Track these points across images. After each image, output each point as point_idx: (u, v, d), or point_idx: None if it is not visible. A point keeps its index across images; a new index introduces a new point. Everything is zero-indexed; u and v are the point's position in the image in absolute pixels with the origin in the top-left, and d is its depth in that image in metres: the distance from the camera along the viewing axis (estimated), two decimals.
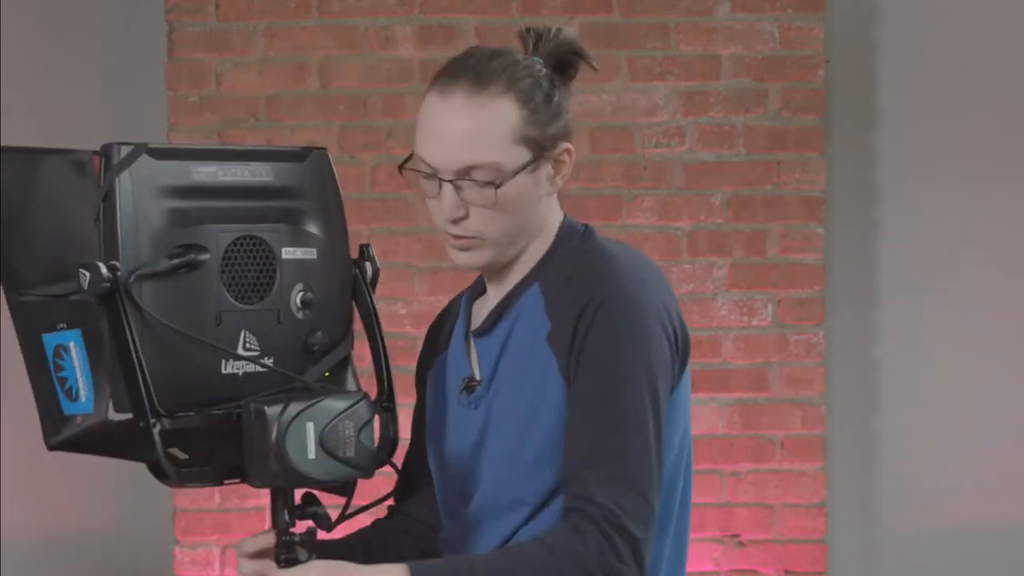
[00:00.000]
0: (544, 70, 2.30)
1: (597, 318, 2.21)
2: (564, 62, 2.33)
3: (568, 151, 2.30)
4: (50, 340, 2.23)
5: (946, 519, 5.10)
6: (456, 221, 2.29)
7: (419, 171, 2.29)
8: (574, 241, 2.33)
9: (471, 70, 2.26)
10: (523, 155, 2.26)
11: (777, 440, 4.95)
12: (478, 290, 2.43)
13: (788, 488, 4.94)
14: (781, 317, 4.95)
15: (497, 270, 2.36)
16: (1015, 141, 5.09)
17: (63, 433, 2.24)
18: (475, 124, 2.25)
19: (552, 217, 2.36)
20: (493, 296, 2.38)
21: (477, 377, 2.35)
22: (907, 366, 5.10)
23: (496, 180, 2.25)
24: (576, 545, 2.14)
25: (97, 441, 2.25)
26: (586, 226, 2.37)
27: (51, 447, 2.28)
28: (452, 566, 2.18)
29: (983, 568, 5.09)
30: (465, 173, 2.25)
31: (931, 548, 5.09)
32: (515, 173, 2.25)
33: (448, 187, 2.26)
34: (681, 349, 2.28)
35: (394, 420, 2.34)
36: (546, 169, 2.29)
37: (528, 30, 2.35)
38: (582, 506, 2.16)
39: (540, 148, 2.27)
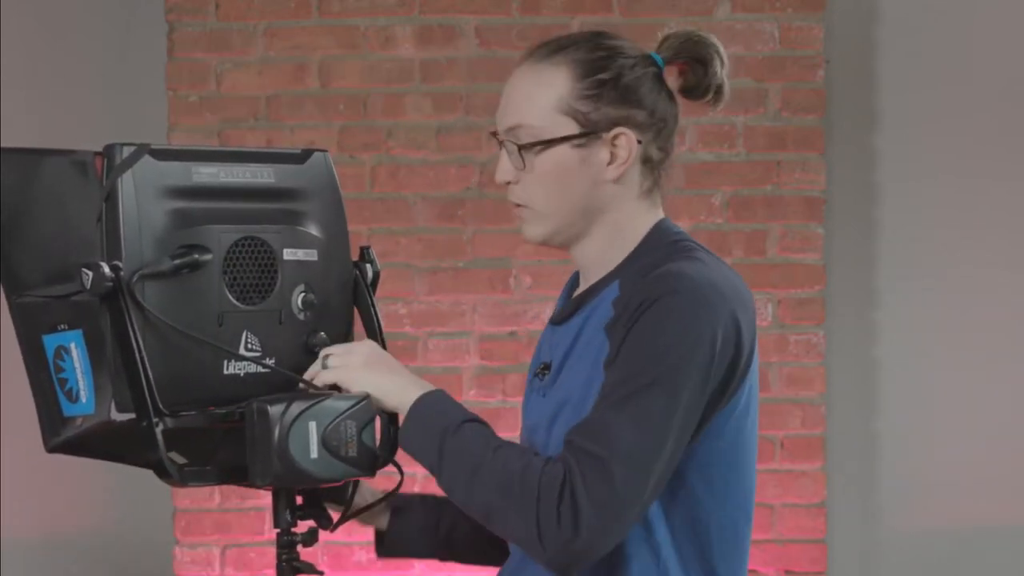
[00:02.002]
0: (640, 56, 2.28)
1: (643, 316, 2.16)
2: (690, 61, 2.31)
3: (624, 136, 2.25)
4: (51, 341, 2.23)
5: (946, 519, 5.10)
6: (508, 185, 2.29)
7: (496, 137, 2.31)
8: (662, 246, 2.29)
9: (555, 41, 2.28)
10: (568, 126, 2.24)
11: (777, 440, 4.95)
12: (577, 281, 2.40)
13: (788, 488, 4.94)
14: (781, 317, 4.95)
15: (584, 264, 2.33)
16: (1015, 141, 5.09)
17: (63, 435, 2.25)
18: (527, 87, 2.26)
19: (640, 220, 2.31)
20: (583, 286, 2.36)
21: (551, 365, 2.33)
22: (907, 366, 5.11)
23: (532, 143, 2.24)
24: (537, 469, 2.12)
25: (97, 442, 2.25)
26: (683, 235, 2.33)
27: (50, 449, 2.28)
28: (448, 416, 2.20)
29: (983, 568, 5.09)
30: (511, 134, 2.26)
31: (931, 548, 5.09)
32: (553, 142, 2.24)
33: (503, 149, 2.28)
34: (729, 367, 2.20)
35: (395, 420, 2.35)
36: (600, 152, 2.25)
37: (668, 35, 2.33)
38: (564, 450, 2.14)
39: (591, 125, 2.24)
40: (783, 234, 4.95)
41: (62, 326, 2.22)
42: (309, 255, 2.32)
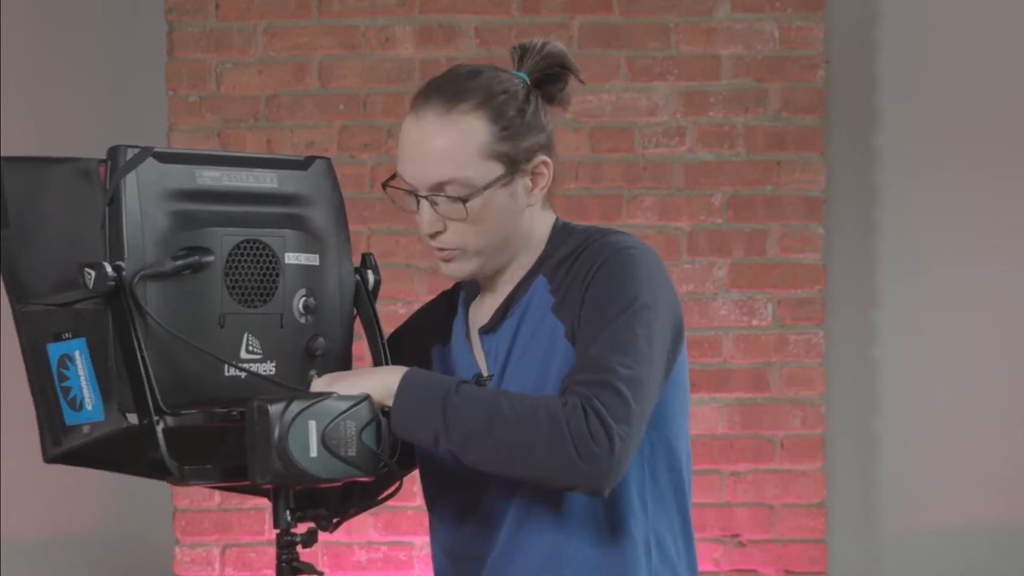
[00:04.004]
0: (521, 85, 2.39)
1: (599, 273, 2.32)
2: (550, 75, 2.41)
3: (545, 163, 2.38)
4: (55, 350, 2.24)
5: (946, 519, 5.10)
6: (435, 235, 2.36)
7: (400, 188, 2.37)
8: (574, 235, 2.41)
9: (444, 90, 2.36)
10: (495, 170, 2.34)
11: (777, 440, 4.95)
12: (472, 293, 2.48)
13: (788, 488, 4.94)
14: (781, 317, 4.95)
15: (497, 278, 2.43)
16: (1015, 141, 5.10)
17: (64, 445, 2.26)
18: (446, 142, 2.33)
19: (541, 224, 2.43)
20: (491, 297, 2.44)
21: (486, 373, 2.40)
22: (907, 366, 5.11)
23: (466, 195, 2.32)
24: (556, 403, 2.23)
25: (101, 451, 2.26)
26: (586, 225, 2.46)
27: (49, 459, 2.28)
28: (444, 381, 2.26)
29: (983, 568, 5.09)
30: (438, 189, 2.33)
31: (931, 548, 5.09)
32: (486, 188, 2.33)
33: (424, 203, 2.34)
34: (678, 320, 2.37)
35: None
36: (523, 182, 2.37)
37: (516, 47, 2.43)
38: (569, 390, 2.25)
39: (513, 162, 2.35)
40: (783, 234, 4.95)
41: (66, 334, 2.23)
42: (311, 260, 2.33)
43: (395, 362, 2.45)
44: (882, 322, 5.12)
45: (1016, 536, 5.09)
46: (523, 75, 2.41)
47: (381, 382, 2.27)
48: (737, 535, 4.93)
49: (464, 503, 2.42)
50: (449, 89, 2.36)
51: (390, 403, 2.27)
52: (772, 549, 4.94)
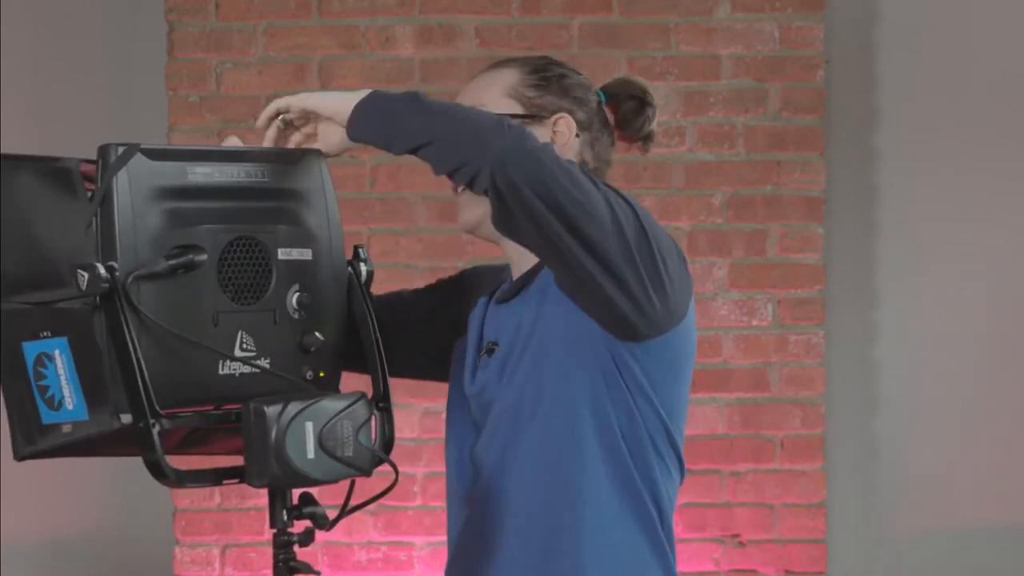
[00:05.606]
0: (580, 75, 2.46)
1: None
2: (624, 102, 2.49)
3: (564, 120, 2.42)
4: (31, 348, 2.21)
5: (946, 519, 5.10)
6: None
7: None
8: None
9: (506, 58, 2.49)
10: (513, 108, 2.41)
11: (777, 440, 4.95)
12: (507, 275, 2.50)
13: (788, 488, 4.94)
14: (781, 317, 4.95)
15: (515, 252, 2.41)
16: (1015, 141, 5.09)
17: (40, 443, 2.23)
18: (480, 83, 2.44)
19: None
20: (516, 274, 2.46)
21: (498, 343, 2.41)
22: (907, 366, 5.10)
23: None
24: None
25: (81, 445, 2.24)
26: None
27: (21, 458, 2.26)
28: (413, 94, 2.29)
29: (983, 568, 5.09)
30: None
31: (931, 548, 5.09)
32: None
33: None
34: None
35: (390, 420, 2.35)
36: (541, 136, 2.38)
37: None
38: None
39: (535, 108, 2.41)
40: (783, 234, 4.95)
41: (44, 333, 2.20)
42: (303, 254, 2.32)
43: (439, 309, 2.54)
44: (882, 322, 5.12)
45: (1016, 536, 5.09)
46: (600, 92, 2.48)
47: (348, 96, 2.32)
48: (737, 535, 4.93)
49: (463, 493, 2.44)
50: (513, 56, 2.49)
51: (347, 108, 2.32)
52: (772, 549, 4.94)
